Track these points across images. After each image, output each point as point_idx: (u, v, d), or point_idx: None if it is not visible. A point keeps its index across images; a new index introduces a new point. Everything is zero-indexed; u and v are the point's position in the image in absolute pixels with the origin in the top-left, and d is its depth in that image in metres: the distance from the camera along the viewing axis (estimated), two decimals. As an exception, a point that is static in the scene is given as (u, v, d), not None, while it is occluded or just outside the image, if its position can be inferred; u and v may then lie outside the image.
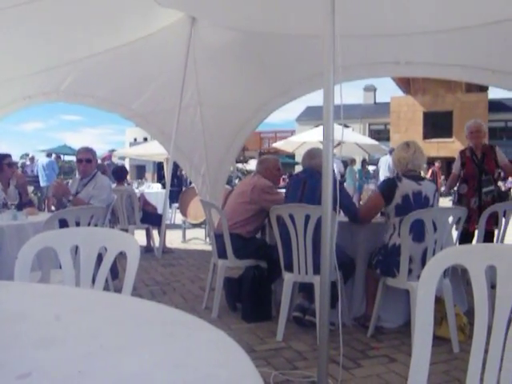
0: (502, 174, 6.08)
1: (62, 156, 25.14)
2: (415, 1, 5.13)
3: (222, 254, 4.85)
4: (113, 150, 16.37)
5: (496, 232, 5.15)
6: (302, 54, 6.33)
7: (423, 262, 3.87)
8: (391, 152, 15.01)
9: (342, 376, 3.26)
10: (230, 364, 1.08)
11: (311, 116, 37.51)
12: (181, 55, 6.87)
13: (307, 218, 4.00)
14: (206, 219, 5.56)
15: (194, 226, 10.97)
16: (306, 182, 4.49)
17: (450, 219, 4.12)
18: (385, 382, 3.36)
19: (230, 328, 4.45)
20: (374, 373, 3.51)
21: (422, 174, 6.79)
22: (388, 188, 4.23)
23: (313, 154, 4.68)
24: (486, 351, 1.65)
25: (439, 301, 3.98)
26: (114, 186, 8.17)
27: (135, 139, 41.77)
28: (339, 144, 14.65)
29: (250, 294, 4.65)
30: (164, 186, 11.41)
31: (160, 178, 20.16)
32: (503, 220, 4.95)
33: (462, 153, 6.06)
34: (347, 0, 3.77)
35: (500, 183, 16.36)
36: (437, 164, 20.50)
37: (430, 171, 19.78)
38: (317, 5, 2.99)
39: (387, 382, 3.34)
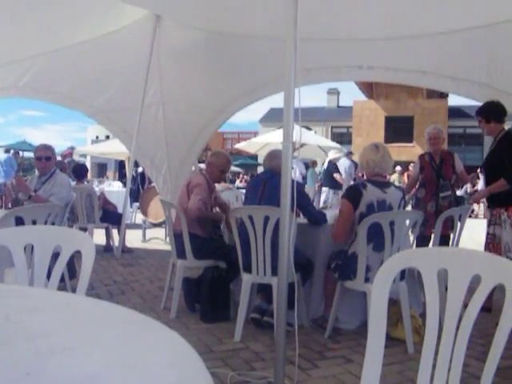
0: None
1: (21, 152, 24.62)
2: (377, 7, 5.19)
3: (180, 254, 4.83)
4: (72, 148, 16.10)
5: (452, 236, 5.24)
6: (267, 56, 6.36)
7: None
8: (348, 155, 15.23)
9: (298, 377, 3.28)
10: (181, 364, 1.08)
11: (274, 117, 37.55)
12: (144, 53, 6.83)
13: (266, 219, 4.01)
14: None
15: (155, 225, 10.90)
16: (266, 183, 4.50)
17: (407, 222, 4.16)
18: (341, 382, 3.39)
19: (188, 328, 4.43)
20: (331, 373, 3.53)
21: (395, 177, 6.79)
22: (354, 195, 4.15)
23: (273, 155, 4.67)
24: (438, 352, 1.69)
25: (395, 303, 4.04)
26: (73, 184, 8.06)
27: (97, 137, 41.22)
28: (299, 147, 14.72)
29: (208, 295, 4.62)
30: (125, 185, 11.30)
31: (121, 177, 19.94)
32: (459, 224, 5.05)
33: (421, 157, 6.15)
34: (310, 4, 3.80)
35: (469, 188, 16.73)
36: (411, 168, 20.78)
37: (406, 174, 19.89)
38: (280, 7, 3.01)
39: (343, 383, 3.37)
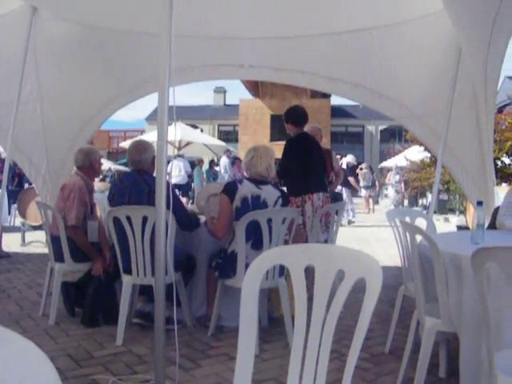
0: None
1: None
2: (257, 6, 5.26)
3: (58, 257, 4.64)
4: None
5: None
6: (148, 52, 6.22)
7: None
8: (226, 153, 16.01)
9: (180, 377, 3.27)
10: (33, 377, 1.03)
11: (161, 116, 37.06)
12: (20, 47, 6.49)
13: (145, 219, 3.94)
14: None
15: (35, 228, 10.43)
16: (131, 191, 4.29)
17: (285, 219, 4.21)
18: (223, 380, 3.41)
19: (67, 334, 4.28)
20: (213, 372, 3.55)
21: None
22: (229, 189, 4.23)
23: (143, 148, 4.46)
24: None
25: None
26: None
27: (-29, 135, 38.78)
28: (183, 145, 14.87)
29: (91, 297, 4.49)
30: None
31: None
32: (335, 219, 5.25)
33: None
34: (188, 0, 3.79)
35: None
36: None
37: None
38: (156, 2, 2.96)
39: (225, 380, 3.39)
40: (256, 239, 4.06)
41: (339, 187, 14.53)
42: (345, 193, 14.89)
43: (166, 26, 2.80)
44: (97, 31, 6.16)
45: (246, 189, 4.19)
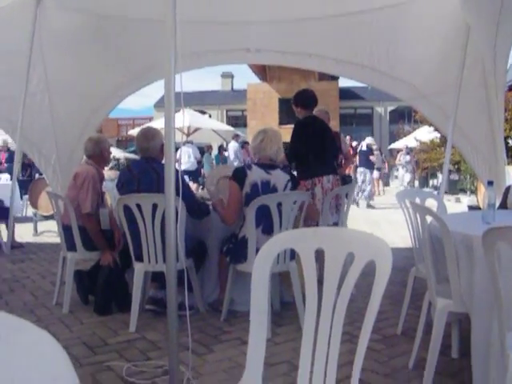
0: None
1: None
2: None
3: (70, 246, 4.67)
4: None
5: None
6: (153, 39, 6.21)
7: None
8: (236, 138, 16.02)
9: (193, 362, 3.27)
10: (45, 366, 1.03)
11: (170, 102, 36.95)
12: (25, 38, 6.49)
13: (155, 206, 3.94)
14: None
15: (47, 218, 10.48)
16: (139, 181, 4.28)
17: (295, 203, 4.19)
18: (236, 364, 3.42)
19: (81, 322, 4.31)
20: (226, 356, 3.56)
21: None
22: (239, 175, 4.20)
23: (151, 135, 4.42)
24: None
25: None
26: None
27: (-18, 126, 38.90)
28: (195, 130, 14.83)
29: (102, 286, 4.51)
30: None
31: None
32: (345, 202, 5.23)
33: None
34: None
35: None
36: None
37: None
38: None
39: (239, 365, 3.40)
40: (266, 224, 4.05)
41: (361, 169, 14.98)
42: (368, 174, 15.04)
43: (170, 11, 2.78)
44: (102, 19, 6.15)
45: (256, 174, 4.17)
